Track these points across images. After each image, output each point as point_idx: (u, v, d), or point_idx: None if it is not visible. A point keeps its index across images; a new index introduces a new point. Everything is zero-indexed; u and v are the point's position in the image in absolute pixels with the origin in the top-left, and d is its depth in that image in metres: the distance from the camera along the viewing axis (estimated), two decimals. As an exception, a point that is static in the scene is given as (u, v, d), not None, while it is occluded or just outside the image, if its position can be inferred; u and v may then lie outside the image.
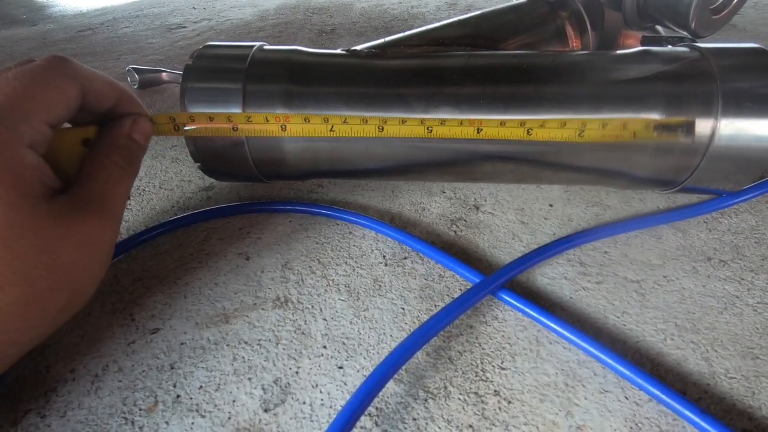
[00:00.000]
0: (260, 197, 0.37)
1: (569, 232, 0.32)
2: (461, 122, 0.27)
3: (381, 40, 0.32)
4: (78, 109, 0.21)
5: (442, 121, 0.27)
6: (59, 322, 0.20)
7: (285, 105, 0.29)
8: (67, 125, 0.23)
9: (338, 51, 0.32)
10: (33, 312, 0.18)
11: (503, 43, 0.35)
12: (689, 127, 0.27)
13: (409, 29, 0.34)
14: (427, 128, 0.27)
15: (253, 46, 0.31)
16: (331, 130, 0.27)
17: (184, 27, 0.89)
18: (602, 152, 0.29)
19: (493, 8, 0.36)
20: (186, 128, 0.26)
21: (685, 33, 0.32)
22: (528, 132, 0.27)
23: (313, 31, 0.79)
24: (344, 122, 0.27)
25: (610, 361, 0.23)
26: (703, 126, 0.27)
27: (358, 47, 0.32)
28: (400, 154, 0.30)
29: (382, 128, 0.27)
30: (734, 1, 0.30)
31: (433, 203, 0.36)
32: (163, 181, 0.40)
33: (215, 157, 0.31)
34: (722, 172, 0.29)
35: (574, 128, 0.26)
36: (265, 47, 0.32)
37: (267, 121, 0.27)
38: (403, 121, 0.27)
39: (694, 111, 0.27)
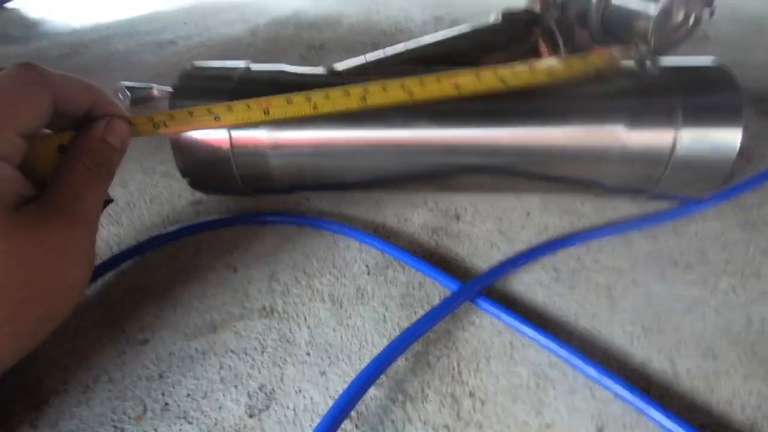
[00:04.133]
0: (248, 210, 0.38)
1: (545, 240, 0.33)
2: (438, 79, 0.27)
3: (362, 58, 0.34)
4: (51, 116, 0.21)
5: (421, 82, 0.27)
6: (42, 334, 0.20)
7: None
8: (46, 131, 0.23)
9: (320, 70, 0.33)
10: (10, 325, 0.18)
11: (481, 60, 0.36)
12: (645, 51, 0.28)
13: (396, 45, 0.36)
14: (408, 92, 0.27)
15: (239, 67, 0.33)
16: (314, 108, 0.27)
17: (175, 43, 0.91)
18: (573, 162, 0.31)
19: (469, 27, 0.38)
20: (165, 128, 0.26)
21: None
22: (456, 87, 0.28)
23: (302, 47, 0.81)
24: (326, 98, 0.27)
25: (579, 363, 0.24)
26: (665, 137, 0.29)
27: (340, 66, 0.33)
28: (382, 166, 0.32)
29: (365, 98, 0.27)
30: (690, 22, 0.31)
31: (416, 214, 0.37)
32: (153, 195, 0.41)
33: (203, 171, 0.32)
34: (686, 180, 0.31)
35: (542, 71, 0.28)
36: (252, 67, 0.33)
37: (249, 107, 0.27)
38: (385, 89, 0.27)
39: (656, 122, 0.29)
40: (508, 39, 0.38)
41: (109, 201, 0.24)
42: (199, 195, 0.41)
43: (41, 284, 0.18)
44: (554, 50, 0.37)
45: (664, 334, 0.26)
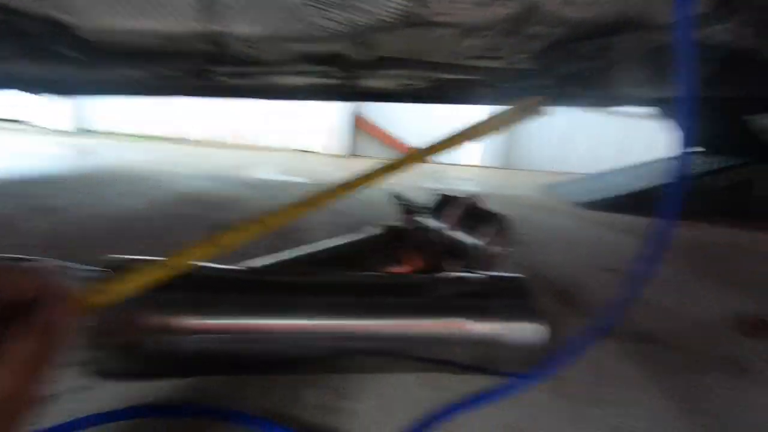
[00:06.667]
0: (132, 399, 0.38)
1: (421, 415, 0.39)
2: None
3: (273, 259, 0.42)
4: None
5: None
6: None
7: (194, 311, 0.34)
8: None
9: (241, 267, 0.40)
10: None
11: (367, 261, 0.47)
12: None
13: (295, 231, 0.45)
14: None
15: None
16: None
17: (66, 210, 0.91)
18: (437, 346, 0.40)
19: (354, 237, 0.50)
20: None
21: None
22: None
23: (206, 227, 0.88)
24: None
25: None
26: (496, 327, 0.40)
27: (256, 264, 0.40)
28: (285, 350, 0.37)
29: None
30: (502, 252, 0.48)
31: (308, 394, 0.41)
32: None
33: (116, 354, 0.34)
34: (515, 359, 0.41)
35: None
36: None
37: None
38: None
39: (490, 317, 0.40)
40: (384, 247, 0.50)
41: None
42: (82, 382, 0.39)
43: None
44: (416, 259, 0.50)
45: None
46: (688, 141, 0.44)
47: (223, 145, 2.76)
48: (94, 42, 0.71)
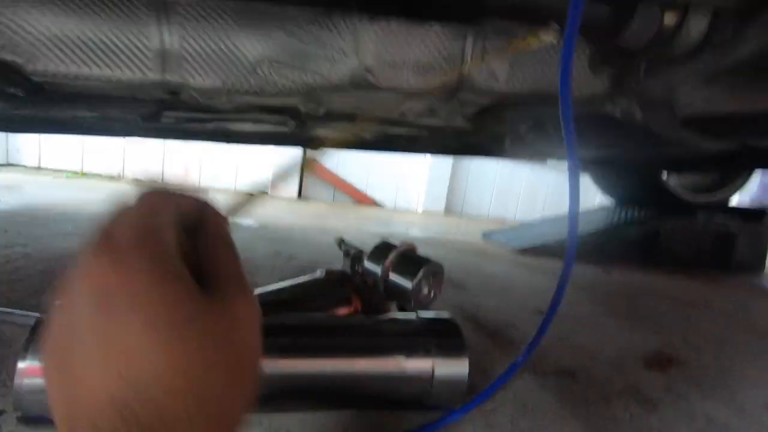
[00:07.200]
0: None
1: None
2: None
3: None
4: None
5: None
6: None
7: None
8: None
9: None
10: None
11: (311, 303, 0.50)
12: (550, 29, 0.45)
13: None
14: None
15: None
16: None
17: (-7, 251, 0.86)
18: (379, 381, 0.43)
19: (303, 279, 0.53)
20: None
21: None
22: None
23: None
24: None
25: None
26: (428, 364, 0.44)
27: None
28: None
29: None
30: (433, 294, 0.53)
31: (250, 434, 0.42)
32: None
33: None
34: (445, 393, 0.45)
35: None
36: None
37: None
38: None
39: (422, 355, 0.44)
40: (328, 290, 0.53)
41: None
42: None
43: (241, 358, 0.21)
44: (361, 299, 0.53)
45: None
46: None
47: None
48: (44, 84, 0.71)
